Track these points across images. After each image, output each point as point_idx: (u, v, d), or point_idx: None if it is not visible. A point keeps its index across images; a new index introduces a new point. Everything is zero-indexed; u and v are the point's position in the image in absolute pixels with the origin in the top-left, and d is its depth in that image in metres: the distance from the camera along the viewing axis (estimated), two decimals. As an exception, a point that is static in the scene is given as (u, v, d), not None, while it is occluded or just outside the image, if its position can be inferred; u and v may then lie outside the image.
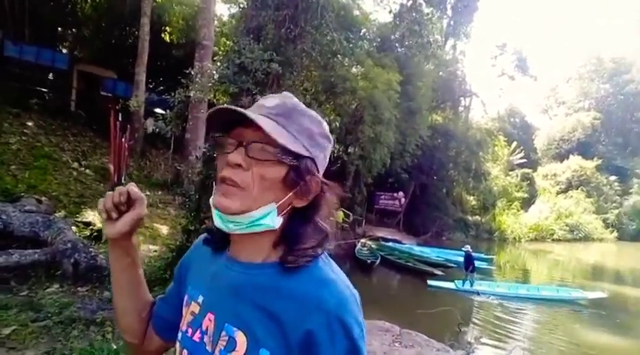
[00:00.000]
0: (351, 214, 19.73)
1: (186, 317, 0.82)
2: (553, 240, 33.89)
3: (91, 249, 5.64)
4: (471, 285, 12.43)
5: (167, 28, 17.77)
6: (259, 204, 0.72)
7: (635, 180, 43.45)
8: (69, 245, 5.40)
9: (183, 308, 0.85)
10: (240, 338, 0.70)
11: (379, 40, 20.01)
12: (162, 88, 17.51)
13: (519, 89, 72.52)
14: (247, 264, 0.76)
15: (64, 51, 18.06)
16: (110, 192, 0.82)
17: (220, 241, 0.83)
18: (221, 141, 0.76)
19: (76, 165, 10.81)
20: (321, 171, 0.80)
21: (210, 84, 8.94)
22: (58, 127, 12.33)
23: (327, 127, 0.82)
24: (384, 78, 16.42)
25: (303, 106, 0.79)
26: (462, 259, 13.23)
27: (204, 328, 0.77)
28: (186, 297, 0.86)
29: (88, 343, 3.60)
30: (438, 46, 23.06)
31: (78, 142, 12.26)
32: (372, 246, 17.69)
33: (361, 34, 18.44)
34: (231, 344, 0.71)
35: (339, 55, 14.49)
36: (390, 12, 20.06)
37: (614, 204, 41.60)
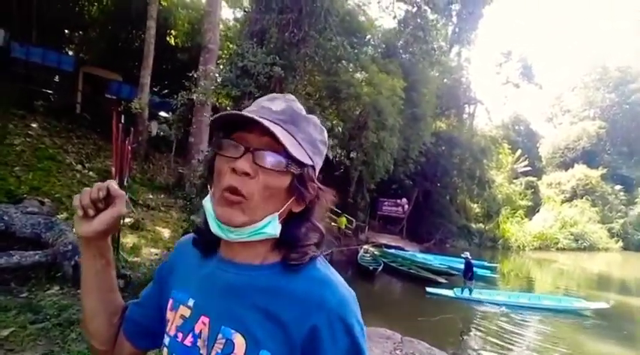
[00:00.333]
0: (354, 220, 19.70)
1: (175, 322, 0.78)
2: (557, 249, 33.71)
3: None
4: (470, 293, 12.35)
5: (173, 31, 17.89)
6: (263, 215, 0.70)
7: (641, 189, 43.16)
8: (70, 247, 5.36)
9: (168, 312, 0.81)
10: (239, 341, 0.69)
11: (384, 46, 20.10)
12: (167, 91, 17.59)
13: (524, 97, 72.56)
14: (245, 266, 0.74)
15: (71, 53, 18.17)
16: (87, 189, 0.77)
17: (211, 243, 0.80)
18: (226, 144, 0.71)
19: (79, 167, 10.82)
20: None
21: (212, 87, 8.96)
22: (62, 129, 12.36)
23: (326, 133, 0.81)
24: (389, 84, 16.45)
25: (307, 114, 0.77)
26: (466, 266, 13.19)
27: (197, 332, 0.74)
28: (170, 301, 0.82)
29: (85, 346, 3.56)
30: (442, 53, 23.12)
31: (82, 144, 12.29)
32: (375, 252, 17.63)
33: (366, 39, 18.52)
34: (229, 346, 0.69)
35: (343, 61, 14.53)
36: (395, 18, 20.12)
37: (619, 214, 41.37)
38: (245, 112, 0.70)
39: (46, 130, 11.69)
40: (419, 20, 18.81)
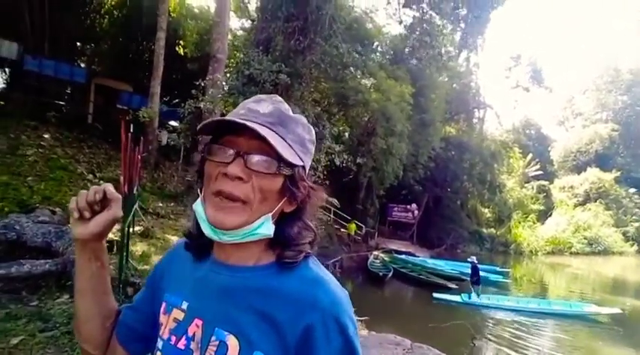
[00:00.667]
0: (363, 226, 19.63)
1: (168, 325, 0.79)
2: (571, 253, 33.17)
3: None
4: (478, 297, 12.22)
5: (182, 42, 18.10)
6: (257, 216, 0.71)
7: (656, 192, 42.35)
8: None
9: (161, 315, 0.82)
10: (232, 342, 0.69)
11: (392, 52, 20.12)
12: (177, 100, 17.79)
13: (535, 100, 71.83)
14: (238, 268, 0.75)
15: (83, 65, 18.49)
16: (84, 191, 0.79)
17: (204, 246, 0.80)
18: (216, 149, 0.72)
19: (90, 176, 10.96)
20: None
21: (220, 95, 9.04)
22: (74, 139, 12.55)
23: (314, 132, 0.81)
24: (397, 90, 16.45)
25: (295, 114, 0.78)
26: (477, 272, 13.06)
27: (190, 334, 0.74)
28: (163, 305, 0.83)
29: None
30: (450, 58, 23.05)
31: (93, 154, 12.46)
32: (385, 258, 17.54)
33: (374, 46, 18.54)
34: (222, 348, 0.69)
35: (351, 67, 14.57)
36: (401, 23, 20.16)
37: (634, 217, 40.54)
38: (233, 117, 0.70)
39: (58, 141, 11.88)
40: (425, 26, 18.82)
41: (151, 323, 0.84)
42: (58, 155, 11.07)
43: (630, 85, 49.44)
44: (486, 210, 30.48)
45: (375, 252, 17.90)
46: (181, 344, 0.75)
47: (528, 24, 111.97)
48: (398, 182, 19.72)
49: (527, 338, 9.85)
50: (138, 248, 7.83)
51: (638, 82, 49.17)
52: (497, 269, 18.39)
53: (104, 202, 0.79)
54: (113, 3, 18.03)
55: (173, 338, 0.77)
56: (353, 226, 18.68)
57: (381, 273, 14.67)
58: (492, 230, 29.78)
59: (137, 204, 7.62)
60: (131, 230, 6.93)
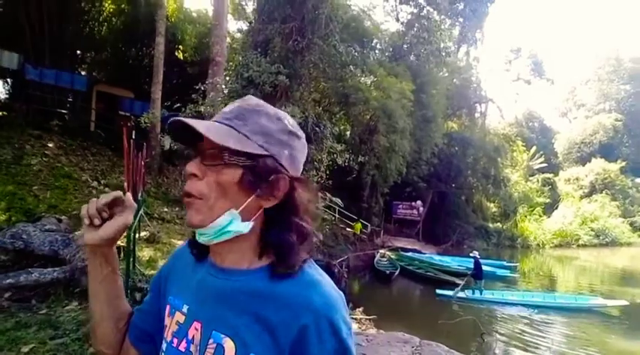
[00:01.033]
0: (368, 225, 19.62)
1: (171, 327, 0.80)
2: (578, 245, 32.95)
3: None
4: (481, 293, 12.19)
5: (181, 46, 18.16)
6: (218, 213, 0.71)
7: (662, 181, 42.07)
8: (87, 262, 5.46)
9: (166, 318, 0.83)
10: (229, 345, 0.70)
11: (391, 49, 20.07)
12: (178, 105, 17.86)
13: (536, 93, 71.61)
14: (232, 271, 0.75)
15: (83, 73, 18.61)
16: (94, 199, 0.81)
17: (202, 249, 0.82)
18: (189, 154, 0.76)
19: (95, 183, 11.01)
20: (298, 168, 0.78)
21: (219, 99, 9.06)
22: (77, 147, 12.62)
23: (290, 123, 0.78)
24: (397, 87, 16.42)
25: (265, 106, 0.77)
26: (485, 267, 13.01)
27: (190, 337, 0.76)
28: (168, 307, 0.84)
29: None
30: (448, 53, 22.95)
31: (97, 161, 12.52)
32: (392, 256, 17.50)
33: (373, 44, 18.52)
34: (219, 351, 0.70)
35: (350, 66, 14.55)
36: (398, 20, 20.13)
37: (641, 207, 40.31)
38: (182, 119, 0.71)
39: (61, 149, 11.95)
40: (423, 22, 18.78)
41: (158, 324, 0.86)
42: (63, 163, 11.14)
43: (633, 73, 49.14)
44: (492, 205, 30.37)
45: (382, 251, 17.87)
46: (182, 347, 0.76)
47: (528, 16, 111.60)
48: (402, 179, 19.70)
49: (536, 333, 9.75)
50: (144, 253, 7.85)
51: (640, 70, 48.85)
52: (505, 263, 18.33)
53: (114, 209, 0.82)
54: (111, 10, 18.12)
55: (175, 341, 0.78)
56: (359, 225, 18.68)
57: (387, 271, 14.65)
58: (498, 224, 29.64)
59: (142, 209, 7.65)
60: (137, 236, 6.96)
